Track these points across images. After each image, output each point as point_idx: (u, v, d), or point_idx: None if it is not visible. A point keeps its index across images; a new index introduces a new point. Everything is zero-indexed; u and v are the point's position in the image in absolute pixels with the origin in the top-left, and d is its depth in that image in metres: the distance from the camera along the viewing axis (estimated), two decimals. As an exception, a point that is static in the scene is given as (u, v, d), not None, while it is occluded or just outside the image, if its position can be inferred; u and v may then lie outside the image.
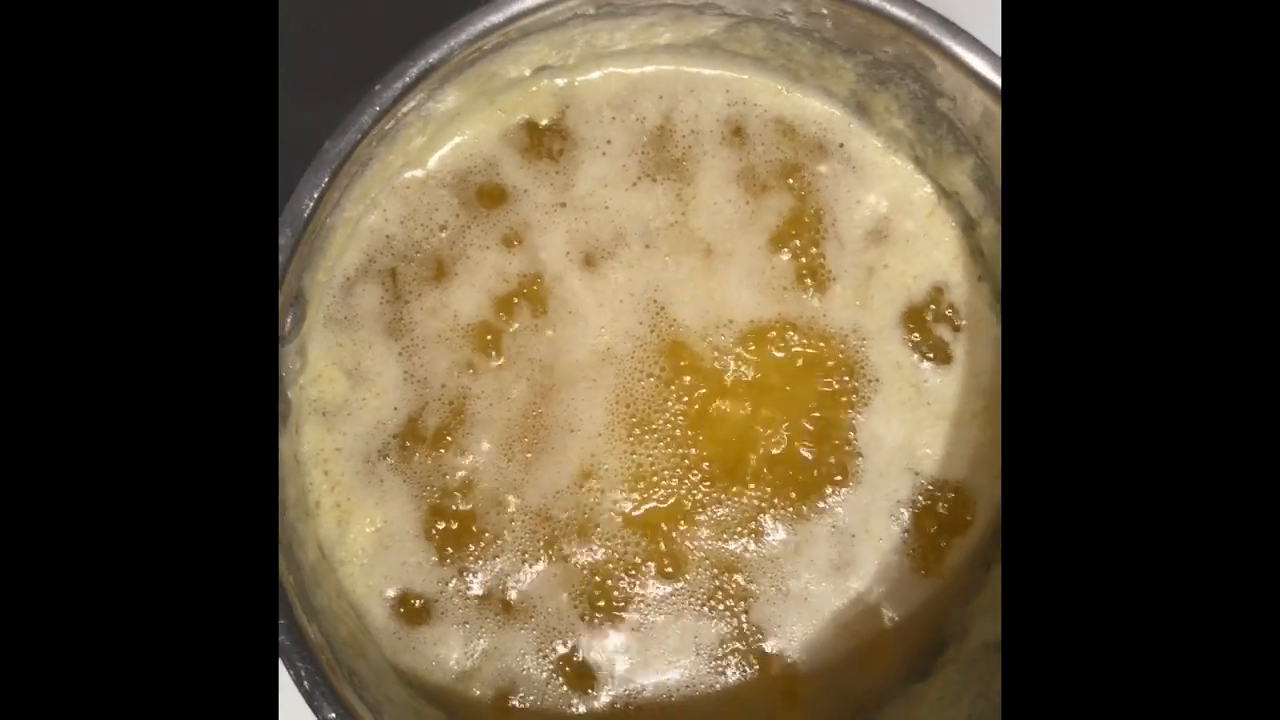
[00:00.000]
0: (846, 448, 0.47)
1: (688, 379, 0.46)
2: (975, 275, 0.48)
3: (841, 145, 0.48)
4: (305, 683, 0.38)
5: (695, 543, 0.46)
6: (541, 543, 0.45)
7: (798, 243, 0.47)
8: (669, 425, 0.46)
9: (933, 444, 0.47)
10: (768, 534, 0.46)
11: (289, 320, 0.43)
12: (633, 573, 0.46)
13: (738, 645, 0.46)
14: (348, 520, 0.45)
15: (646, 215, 0.47)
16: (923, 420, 0.47)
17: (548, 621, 0.45)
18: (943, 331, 0.48)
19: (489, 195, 0.47)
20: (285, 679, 0.38)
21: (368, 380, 0.46)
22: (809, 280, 0.47)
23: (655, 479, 0.46)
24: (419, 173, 0.47)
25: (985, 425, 0.47)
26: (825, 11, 0.43)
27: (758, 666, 0.46)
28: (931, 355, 0.47)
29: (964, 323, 0.48)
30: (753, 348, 0.46)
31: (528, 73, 0.46)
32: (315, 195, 0.40)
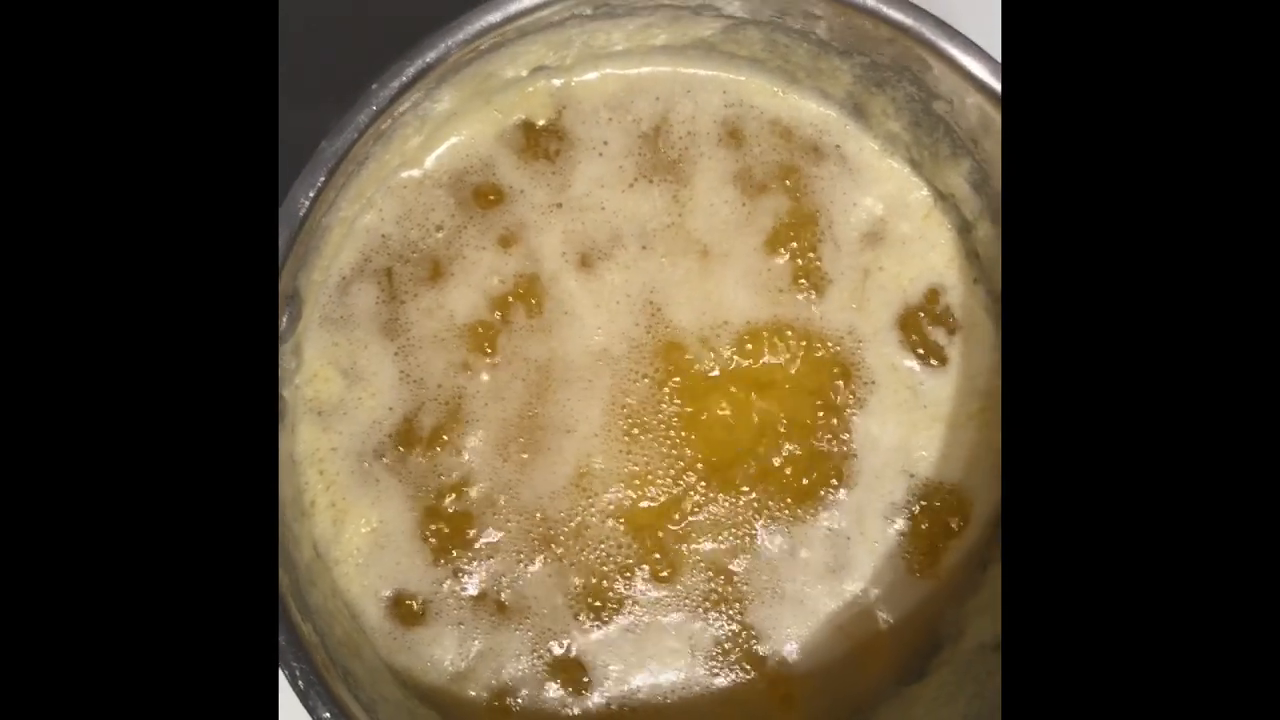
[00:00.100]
0: (842, 449, 0.47)
1: (683, 380, 0.46)
2: (971, 278, 0.48)
3: (838, 147, 0.48)
4: (300, 682, 0.38)
5: (690, 544, 0.46)
6: (536, 543, 0.45)
7: (794, 244, 0.47)
8: (664, 426, 0.46)
9: (928, 446, 0.47)
10: (763, 535, 0.46)
11: (284, 319, 0.43)
12: (628, 574, 0.46)
13: (733, 647, 0.46)
14: (343, 520, 0.45)
15: (643, 216, 0.47)
16: (918, 422, 0.47)
17: (542, 622, 0.45)
18: (938, 334, 0.48)
19: (485, 195, 0.47)
20: (280, 678, 0.38)
21: (363, 380, 0.46)
22: (805, 282, 0.47)
23: (651, 480, 0.46)
24: (415, 172, 0.47)
25: (981, 427, 0.47)
26: (822, 13, 0.43)
27: (752, 668, 0.46)
28: (927, 357, 0.48)
29: (960, 325, 0.48)
30: (749, 349, 0.47)
31: (524, 73, 0.46)
32: (311, 195, 0.40)
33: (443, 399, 0.46)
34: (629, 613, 0.45)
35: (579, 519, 0.45)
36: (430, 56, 0.41)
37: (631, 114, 0.47)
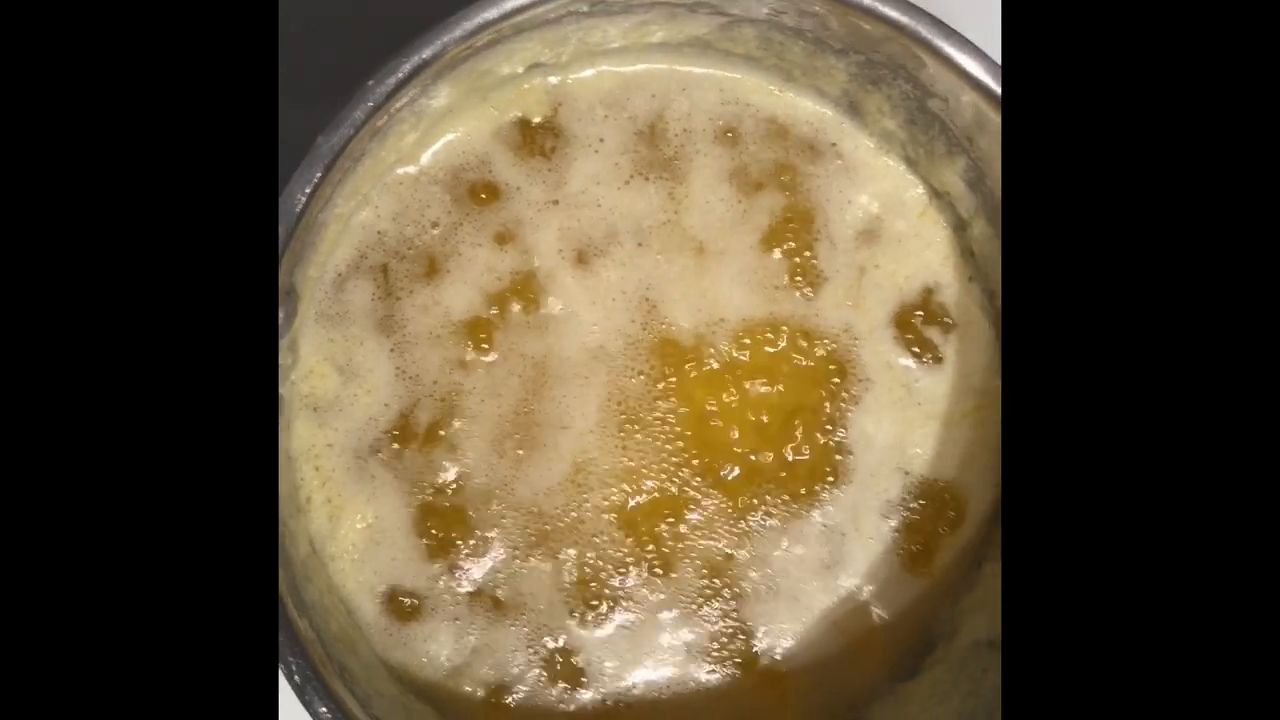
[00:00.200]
0: (837, 447, 0.47)
1: (679, 377, 0.46)
2: (966, 276, 0.48)
3: (834, 145, 0.48)
4: (296, 677, 0.38)
5: (685, 540, 0.46)
6: (532, 540, 0.45)
7: (790, 242, 0.47)
8: (660, 423, 0.46)
9: (923, 443, 0.47)
10: (758, 532, 0.46)
11: (280, 316, 0.43)
12: (623, 570, 0.46)
13: (727, 643, 0.46)
14: (339, 516, 0.45)
15: (639, 213, 0.47)
16: (913, 420, 0.47)
17: (538, 618, 0.45)
18: (933, 332, 0.48)
19: (481, 192, 0.47)
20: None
21: (359, 376, 0.46)
22: (801, 280, 0.47)
23: (646, 476, 0.46)
24: (411, 169, 0.47)
25: (975, 425, 0.47)
26: (818, 11, 0.43)
27: (747, 664, 0.46)
28: (923, 355, 0.48)
29: (955, 323, 0.48)
30: (744, 346, 0.47)
31: (520, 70, 0.46)
32: (308, 191, 0.40)
33: (438, 395, 0.46)
34: (624, 609, 0.46)
35: (574, 515, 0.46)
36: (427, 53, 0.41)
37: (627, 111, 0.48)
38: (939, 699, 0.45)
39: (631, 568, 0.46)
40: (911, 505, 0.47)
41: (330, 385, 0.46)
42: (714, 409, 0.46)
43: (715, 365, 0.46)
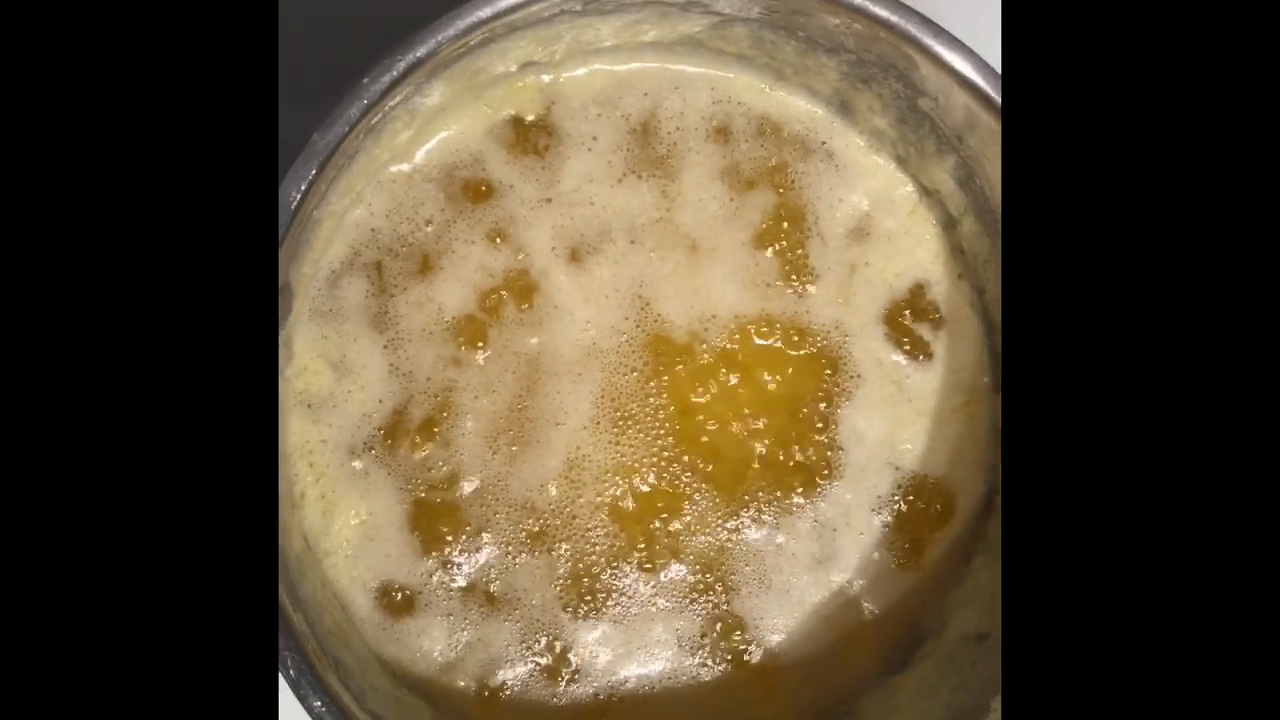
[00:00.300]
0: (828, 443, 0.47)
1: (672, 374, 0.47)
2: (956, 273, 0.48)
3: (824, 144, 0.48)
4: (291, 671, 0.38)
5: (678, 535, 0.46)
6: (525, 535, 0.46)
7: (782, 240, 0.48)
8: (653, 419, 0.46)
9: (913, 439, 0.48)
10: (750, 527, 0.47)
11: (275, 312, 0.43)
12: (615, 565, 0.46)
13: (719, 637, 0.46)
14: (332, 512, 0.45)
15: (632, 211, 0.47)
16: (904, 416, 0.48)
17: (531, 614, 0.45)
18: (923, 329, 0.48)
19: (475, 190, 0.47)
20: (270, 668, 0.38)
21: (353, 373, 0.46)
22: (792, 277, 0.48)
23: (639, 472, 0.46)
24: (405, 167, 0.47)
25: (965, 421, 0.48)
26: (809, 11, 0.43)
27: (738, 658, 0.46)
28: (913, 352, 0.48)
29: (945, 320, 0.48)
30: (736, 343, 0.47)
31: (514, 68, 0.46)
32: (303, 188, 0.40)
33: (432, 392, 0.46)
34: (617, 603, 0.46)
35: (568, 511, 0.46)
36: (421, 51, 0.41)
37: (620, 110, 0.48)
38: (928, 692, 0.45)
39: (624, 563, 0.46)
40: (901, 501, 0.47)
41: (324, 382, 0.46)
42: (706, 405, 0.47)
43: (707, 362, 0.47)
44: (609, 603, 0.46)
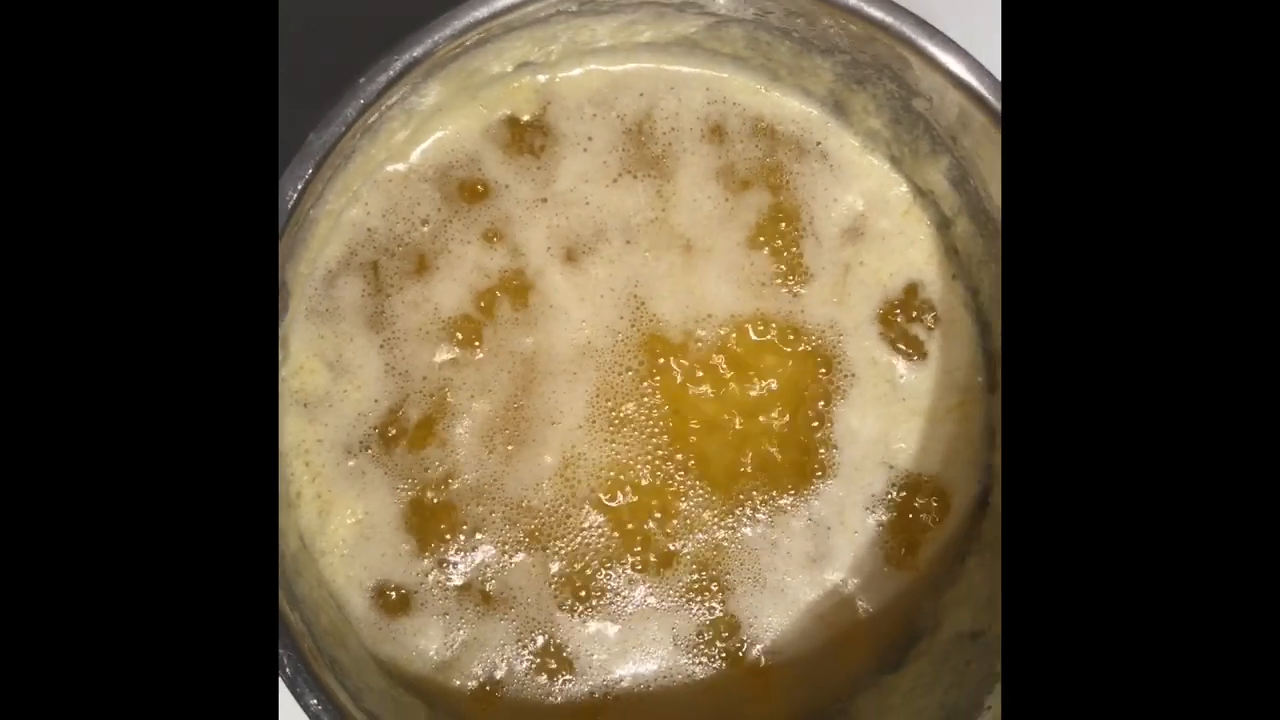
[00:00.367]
0: (823, 441, 0.47)
1: (666, 374, 0.47)
2: (950, 273, 0.49)
3: (819, 144, 0.49)
4: (288, 669, 0.38)
5: (673, 535, 0.46)
6: (521, 534, 0.46)
7: (776, 240, 0.48)
8: (648, 419, 0.46)
9: (907, 439, 0.48)
10: (744, 526, 0.47)
11: (271, 312, 0.43)
12: (611, 564, 0.46)
13: (714, 636, 0.46)
14: (328, 511, 0.45)
15: (627, 211, 0.47)
16: (898, 415, 0.48)
17: (527, 612, 0.46)
18: (917, 328, 0.48)
19: (470, 190, 0.47)
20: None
21: (349, 372, 0.46)
22: (787, 276, 0.48)
23: (634, 471, 0.46)
24: (401, 166, 0.47)
25: (959, 420, 0.48)
26: (804, 11, 0.44)
27: (733, 657, 0.46)
28: (907, 352, 0.48)
29: (939, 320, 0.48)
30: (732, 342, 0.47)
31: (510, 68, 0.46)
32: (299, 187, 0.40)
33: (428, 391, 0.46)
34: (612, 602, 0.46)
35: (563, 509, 0.46)
36: (417, 51, 0.41)
37: (615, 110, 0.48)
38: (922, 691, 0.45)
39: (619, 561, 0.46)
40: (896, 500, 0.48)
41: (320, 381, 0.46)
42: (701, 404, 0.47)
43: (702, 361, 0.47)
44: (604, 601, 0.46)
